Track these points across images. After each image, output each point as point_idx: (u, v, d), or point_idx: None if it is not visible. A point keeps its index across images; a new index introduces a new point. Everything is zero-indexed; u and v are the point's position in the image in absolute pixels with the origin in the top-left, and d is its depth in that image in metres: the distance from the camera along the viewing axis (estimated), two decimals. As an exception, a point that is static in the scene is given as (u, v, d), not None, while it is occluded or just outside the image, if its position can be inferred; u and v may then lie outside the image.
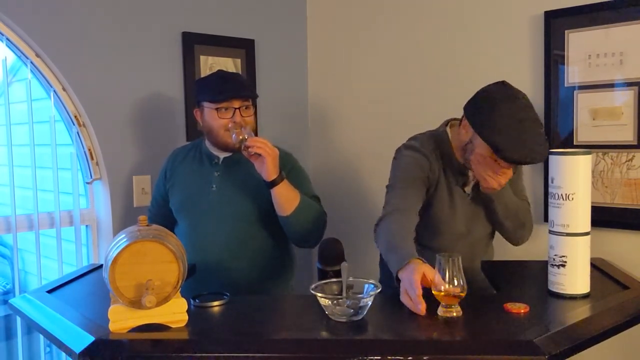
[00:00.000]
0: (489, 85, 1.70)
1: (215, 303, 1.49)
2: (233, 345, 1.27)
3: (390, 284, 1.52)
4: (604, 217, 2.18)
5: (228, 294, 1.54)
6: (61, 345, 1.34)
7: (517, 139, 1.55)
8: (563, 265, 1.47)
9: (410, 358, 1.19)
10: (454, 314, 1.36)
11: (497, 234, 1.94)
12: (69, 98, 2.34)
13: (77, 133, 2.38)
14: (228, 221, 1.93)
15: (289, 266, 2.09)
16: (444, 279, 1.36)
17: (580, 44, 2.23)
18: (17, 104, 2.35)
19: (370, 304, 1.36)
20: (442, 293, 1.36)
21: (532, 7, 2.37)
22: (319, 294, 1.36)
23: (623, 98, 2.15)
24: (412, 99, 2.80)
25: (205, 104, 1.94)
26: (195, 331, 1.34)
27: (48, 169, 2.37)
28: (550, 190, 1.50)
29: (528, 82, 2.39)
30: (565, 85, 2.29)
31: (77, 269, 2.07)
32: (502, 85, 1.67)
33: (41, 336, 2.34)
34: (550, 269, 1.50)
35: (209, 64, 2.71)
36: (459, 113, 1.80)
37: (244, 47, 2.85)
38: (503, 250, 2.06)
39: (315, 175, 3.23)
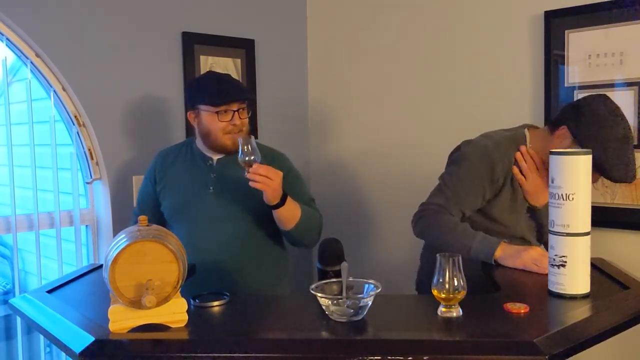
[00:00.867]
0: (592, 98, 1.73)
1: (215, 303, 1.49)
2: (233, 345, 1.27)
3: (427, 281, 1.49)
4: (604, 217, 2.18)
5: (228, 294, 1.54)
6: (61, 345, 1.34)
7: (621, 158, 1.64)
8: (563, 265, 1.47)
9: (410, 358, 1.19)
10: (454, 314, 1.36)
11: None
12: (69, 98, 2.34)
13: (77, 133, 2.39)
14: (227, 222, 1.93)
15: (285, 265, 2.10)
16: (444, 278, 1.36)
17: (580, 44, 2.23)
18: (17, 104, 2.35)
19: (370, 304, 1.35)
20: (442, 293, 1.36)
21: (532, 7, 2.37)
22: (319, 294, 1.36)
23: (623, 98, 2.15)
24: (412, 99, 2.80)
25: (203, 107, 1.91)
26: (195, 331, 1.34)
27: (48, 169, 2.37)
28: (550, 190, 1.50)
29: (528, 82, 2.39)
30: (565, 85, 2.29)
31: (77, 269, 2.07)
32: (606, 100, 1.71)
33: (41, 336, 2.34)
34: (550, 269, 1.50)
35: (209, 64, 2.71)
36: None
37: (244, 47, 2.85)
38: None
39: (315, 175, 3.24)
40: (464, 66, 2.60)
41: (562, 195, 1.47)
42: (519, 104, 2.42)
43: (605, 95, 1.73)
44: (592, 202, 1.52)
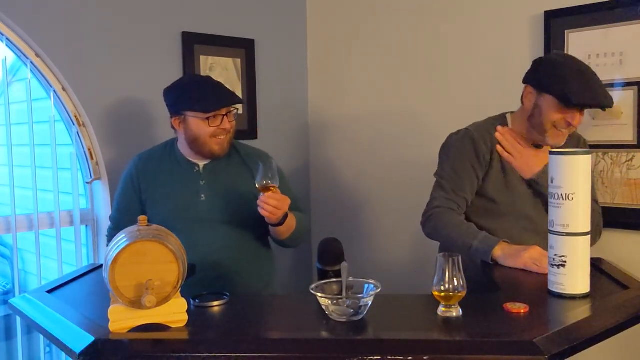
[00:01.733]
0: (547, 55, 1.88)
1: (215, 303, 1.49)
2: (233, 345, 1.27)
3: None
4: (604, 217, 2.18)
5: (228, 294, 1.54)
6: (61, 345, 1.34)
7: (584, 85, 1.68)
8: (563, 265, 1.47)
9: (410, 358, 1.19)
10: (454, 314, 1.36)
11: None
12: (68, 98, 2.34)
13: (77, 133, 2.39)
14: (221, 228, 1.93)
15: (274, 264, 2.13)
16: (443, 278, 1.36)
17: (580, 44, 2.23)
18: (17, 104, 2.35)
19: (370, 304, 1.35)
20: (442, 293, 1.36)
21: (532, 7, 2.37)
22: (319, 294, 1.36)
23: (623, 98, 2.16)
24: (412, 99, 2.80)
25: (191, 114, 1.88)
26: (195, 331, 1.34)
27: (48, 169, 2.37)
28: (550, 190, 1.50)
29: (528, 82, 2.39)
30: (565, 85, 2.28)
31: (77, 269, 2.07)
32: (556, 51, 1.84)
33: (41, 336, 2.34)
34: (550, 269, 1.50)
35: (209, 64, 2.71)
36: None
37: (244, 47, 2.85)
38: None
39: (315, 175, 3.24)
40: (464, 66, 2.60)
41: (561, 195, 1.47)
42: (519, 103, 2.42)
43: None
44: (592, 202, 1.52)
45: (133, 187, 1.99)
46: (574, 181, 1.46)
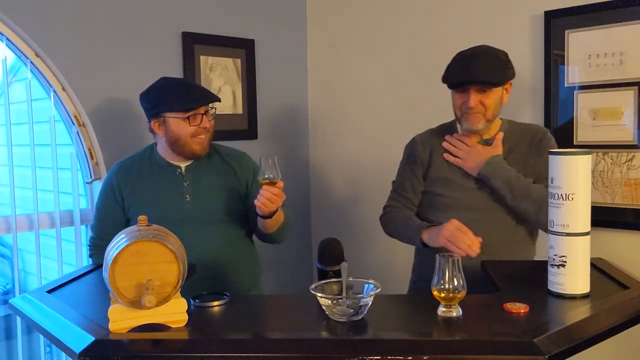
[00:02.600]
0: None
1: (215, 303, 1.49)
2: (233, 345, 1.27)
3: (423, 287, 1.54)
4: (604, 217, 2.18)
5: (228, 294, 1.54)
6: (61, 345, 1.34)
7: (462, 66, 1.81)
8: (563, 265, 1.47)
9: (410, 358, 1.19)
10: (454, 314, 1.36)
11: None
12: (68, 98, 2.34)
13: (77, 133, 2.39)
14: (209, 227, 1.93)
15: (259, 261, 2.14)
16: (443, 278, 1.36)
17: (580, 44, 2.24)
18: (17, 104, 2.35)
19: (370, 304, 1.36)
20: (442, 293, 1.36)
21: (532, 7, 2.37)
22: (319, 294, 1.36)
23: (623, 98, 2.16)
24: (412, 99, 2.80)
25: (171, 115, 1.88)
26: (195, 331, 1.34)
27: (48, 169, 2.37)
28: (550, 190, 1.50)
29: (528, 82, 2.39)
30: (565, 85, 2.29)
31: (77, 269, 2.07)
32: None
33: (41, 336, 2.35)
34: (550, 269, 1.50)
35: (209, 64, 2.71)
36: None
37: (244, 47, 2.85)
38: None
39: (315, 175, 3.24)
40: (464, 66, 2.60)
41: (561, 195, 1.47)
42: (519, 103, 2.42)
43: None
44: (592, 202, 1.52)
45: (114, 196, 1.97)
46: (574, 181, 1.46)
